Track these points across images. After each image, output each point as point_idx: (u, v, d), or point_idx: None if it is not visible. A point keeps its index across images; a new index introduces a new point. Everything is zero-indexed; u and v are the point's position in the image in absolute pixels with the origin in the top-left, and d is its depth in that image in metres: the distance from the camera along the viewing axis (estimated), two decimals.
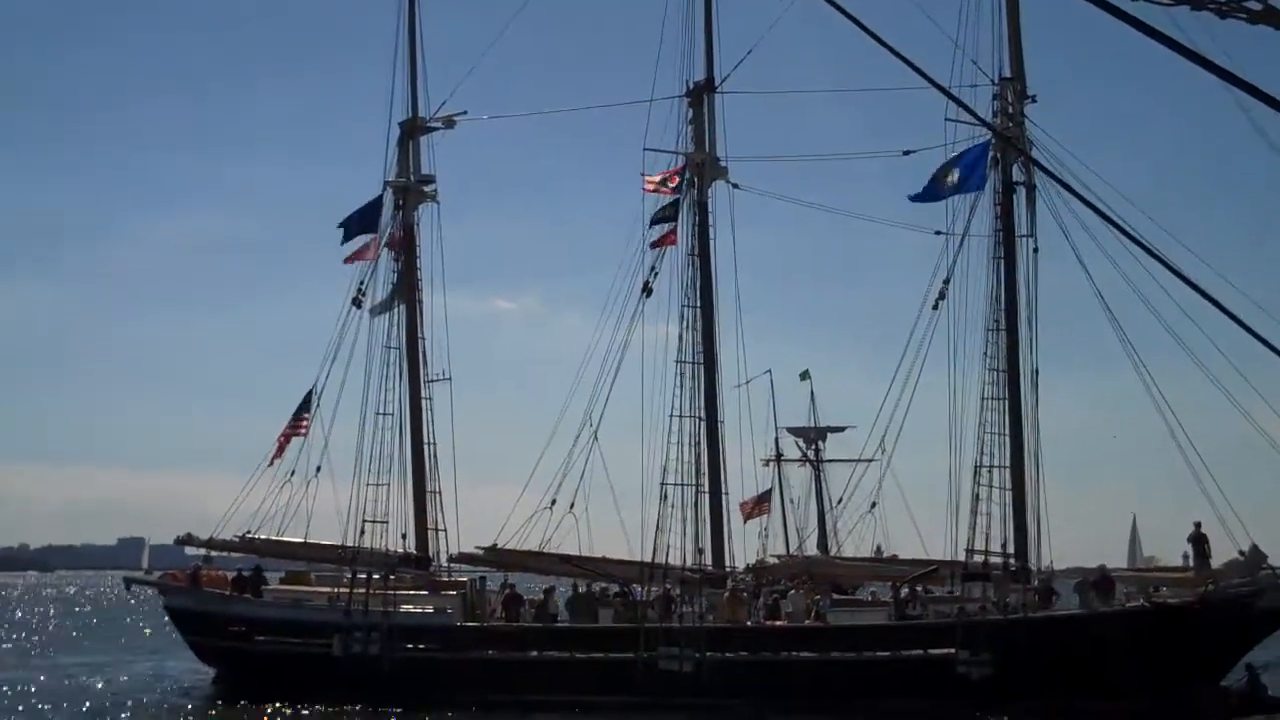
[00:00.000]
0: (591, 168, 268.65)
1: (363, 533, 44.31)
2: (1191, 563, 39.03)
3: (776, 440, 65.80)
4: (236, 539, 46.01)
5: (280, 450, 46.12)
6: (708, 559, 42.46)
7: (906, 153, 42.22)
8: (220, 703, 41.45)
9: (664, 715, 37.02)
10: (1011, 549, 39.59)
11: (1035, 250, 40.56)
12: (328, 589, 44.17)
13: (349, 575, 43.17)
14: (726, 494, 43.65)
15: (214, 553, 47.91)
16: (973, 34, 39.74)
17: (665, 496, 41.72)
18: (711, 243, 43.74)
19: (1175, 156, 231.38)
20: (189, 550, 50.70)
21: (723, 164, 43.75)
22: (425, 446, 46.40)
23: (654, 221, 42.95)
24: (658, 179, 42.92)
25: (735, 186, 43.70)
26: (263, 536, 45.57)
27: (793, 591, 41.79)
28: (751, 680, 37.86)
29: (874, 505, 43.26)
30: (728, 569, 43.13)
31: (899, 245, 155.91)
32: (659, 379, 42.42)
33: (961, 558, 39.45)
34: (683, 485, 42.17)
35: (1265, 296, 40.76)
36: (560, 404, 44.34)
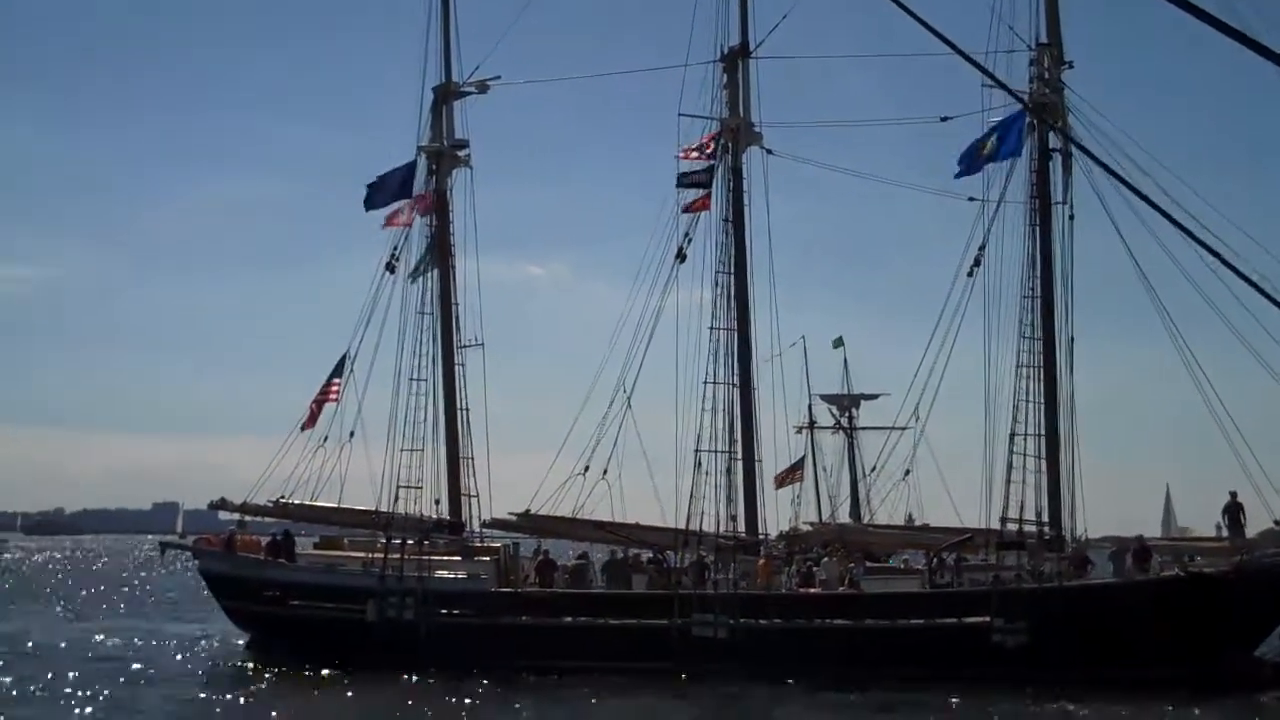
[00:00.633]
0: (624, 134, 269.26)
1: (397, 498, 44.38)
2: (1226, 532, 38.90)
3: (810, 408, 65.95)
4: (270, 504, 46.14)
5: (313, 416, 46.20)
6: (740, 526, 42.44)
7: (944, 119, 41.93)
8: (255, 667, 41.64)
9: (698, 682, 37.07)
10: (1046, 518, 39.49)
11: (1071, 217, 40.38)
12: (362, 554, 44.32)
13: (383, 540, 43.31)
14: (760, 461, 43.60)
15: (248, 517, 48.15)
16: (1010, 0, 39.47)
17: (700, 464, 41.70)
18: (746, 209, 43.62)
19: (1216, 121, 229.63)
20: (222, 515, 50.94)
21: (757, 130, 43.57)
22: (459, 412, 46.45)
23: (683, 185, 42.72)
24: (692, 146, 42.74)
25: (769, 152, 43.54)
26: (296, 501, 45.73)
27: (826, 559, 41.78)
28: (785, 647, 37.84)
29: (908, 473, 43.31)
30: (761, 536, 43.12)
31: (933, 212, 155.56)
32: (692, 345, 42.37)
33: (995, 526, 39.35)
34: (716, 452, 42.13)
35: None
36: (592, 370, 44.41)
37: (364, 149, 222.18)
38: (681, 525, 41.27)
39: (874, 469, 47.49)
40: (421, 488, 44.80)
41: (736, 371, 42.91)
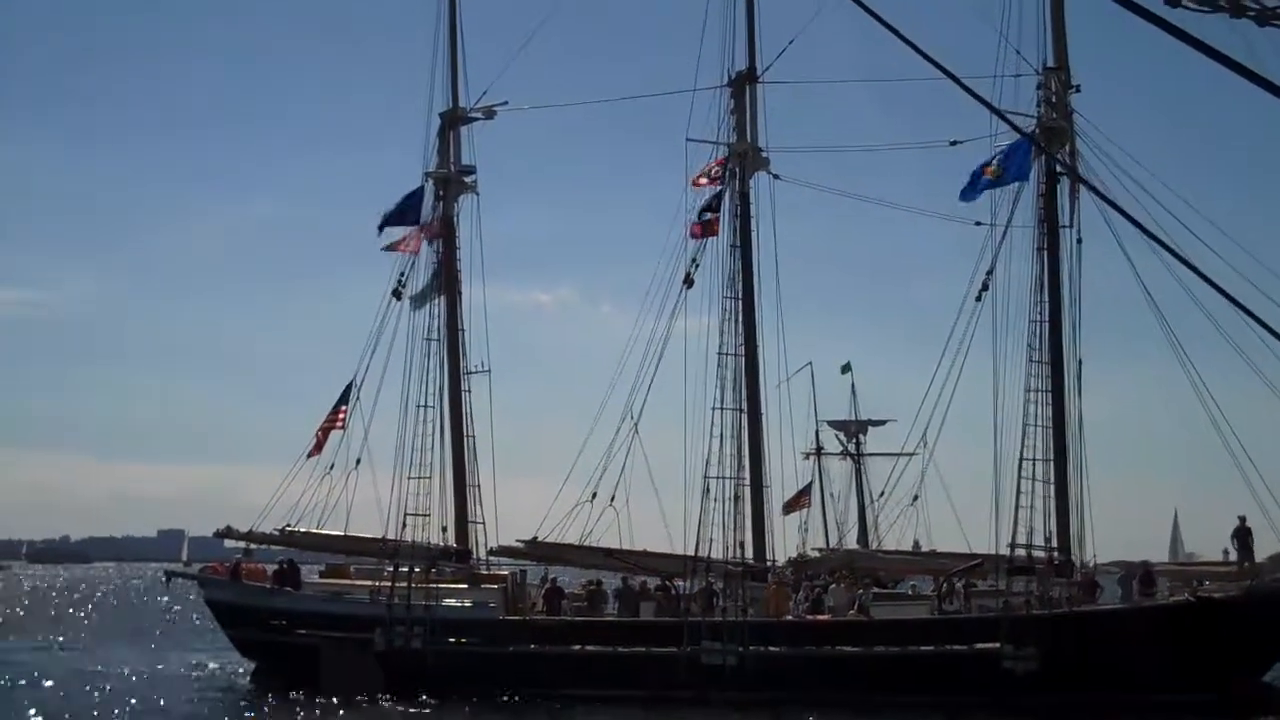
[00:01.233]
0: (630, 159, 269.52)
1: (404, 526, 44.25)
2: (1233, 557, 38.78)
3: (817, 433, 65.82)
4: (276, 532, 46.07)
5: (319, 444, 46.15)
6: (749, 552, 42.31)
7: (953, 143, 41.88)
8: (261, 695, 41.46)
9: (707, 709, 36.90)
10: (1055, 543, 39.35)
11: (1079, 241, 40.33)
12: (368, 582, 44.18)
13: (390, 568, 43.17)
14: (768, 487, 43.50)
15: (254, 546, 48.05)
16: (1017, 24, 39.51)
17: (708, 490, 41.60)
18: (753, 234, 43.62)
19: (1223, 143, 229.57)
20: (228, 543, 50.77)
21: (764, 154, 43.58)
22: (465, 439, 46.39)
23: (701, 214, 42.81)
24: (700, 172, 42.80)
25: (776, 177, 43.55)
26: (303, 529, 45.62)
27: (834, 585, 41.64)
28: (795, 674, 37.73)
29: (916, 498, 43.21)
30: (769, 562, 43.00)
31: (941, 237, 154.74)
32: (700, 371, 42.31)
33: (1004, 551, 39.19)
34: (723, 478, 42.02)
35: None
36: (599, 396, 44.36)
37: (371, 173, 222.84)
38: (689, 552, 41.14)
39: (882, 495, 47.43)
40: (429, 515, 44.69)
41: (744, 397, 42.83)
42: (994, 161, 40.11)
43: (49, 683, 43.64)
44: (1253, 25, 5.75)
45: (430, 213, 46.86)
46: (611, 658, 39.58)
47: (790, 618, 40.11)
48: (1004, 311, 40.20)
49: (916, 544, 46.83)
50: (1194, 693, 34.63)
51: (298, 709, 37.77)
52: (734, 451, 42.22)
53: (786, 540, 48.21)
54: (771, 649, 38.60)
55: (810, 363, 58.22)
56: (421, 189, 46.88)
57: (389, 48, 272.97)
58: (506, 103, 47.00)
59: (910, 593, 43.46)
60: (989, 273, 40.60)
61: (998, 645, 36.50)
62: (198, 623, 67.27)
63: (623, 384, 43.56)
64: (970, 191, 40.75)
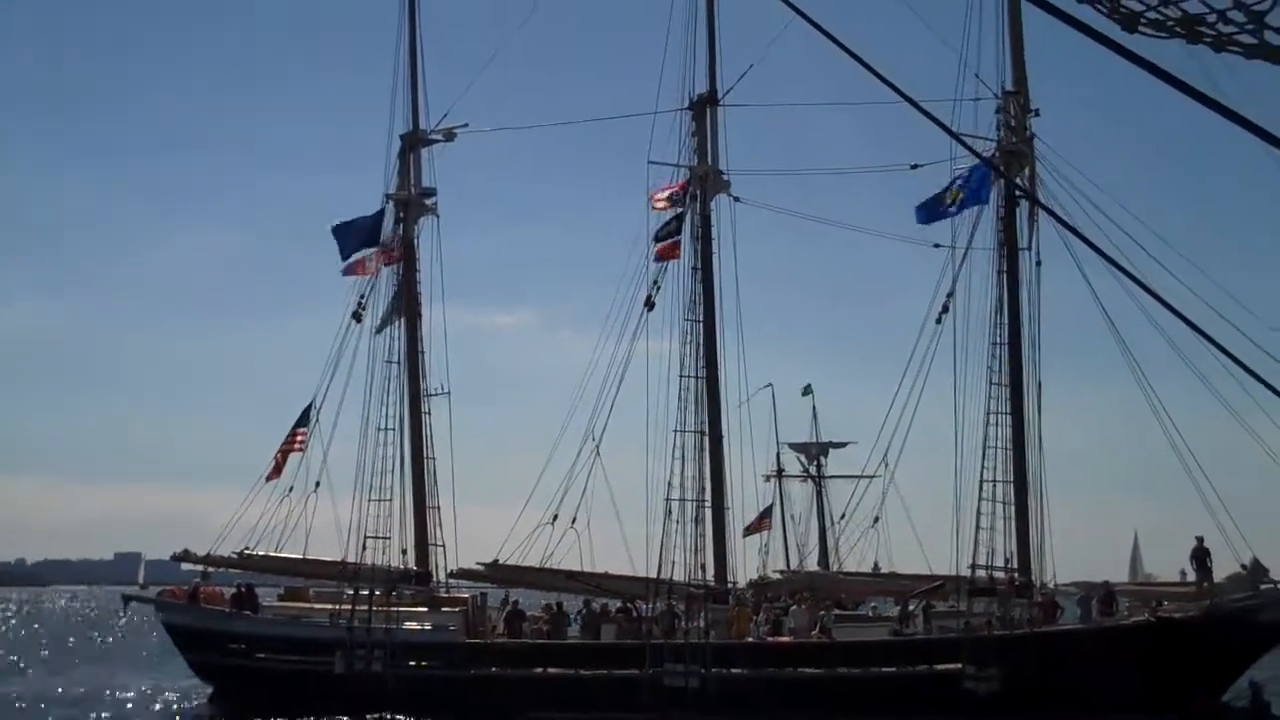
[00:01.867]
0: (592, 182, 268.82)
1: (364, 549, 44.03)
2: (1190, 578, 38.97)
3: (778, 455, 65.76)
4: (234, 555, 45.76)
5: (278, 467, 45.92)
6: (710, 575, 42.28)
7: (914, 166, 42.11)
8: None
9: None
10: (1015, 564, 39.49)
11: (1038, 264, 40.58)
12: (328, 606, 43.92)
13: (350, 592, 42.93)
14: (729, 509, 43.52)
15: (211, 569, 47.68)
16: (976, 48, 39.76)
17: (670, 512, 41.56)
18: (714, 256, 43.71)
19: (1181, 166, 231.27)
20: (185, 566, 50.36)
21: (725, 177, 43.72)
22: (426, 461, 46.22)
23: (659, 237, 42.87)
24: (665, 194, 42.88)
25: (737, 200, 43.68)
26: (261, 553, 45.33)
27: (794, 607, 41.65)
28: (757, 696, 37.67)
29: (876, 520, 43.27)
30: (730, 584, 42.98)
31: (902, 259, 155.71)
32: (661, 394, 42.31)
33: (965, 573, 39.32)
34: (683, 500, 42.00)
35: (1269, 311, 40.57)
36: (560, 419, 44.31)
37: (336, 197, 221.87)
38: (651, 574, 41.08)
39: (843, 517, 47.46)
40: (389, 538, 44.53)
41: (705, 420, 42.85)
42: (954, 185, 40.31)
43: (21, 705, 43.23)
44: (1209, 51, 5.78)
45: (391, 235, 46.75)
46: (573, 680, 39.45)
47: (752, 639, 40.07)
48: (964, 334, 40.45)
49: (876, 565, 46.86)
50: (1154, 713, 34.76)
51: None
52: (695, 473, 42.27)
53: (747, 562, 48.17)
54: (734, 671, 38.54)
55: (771, 384, 58.28)
56: (382, 211, 46.80)
57: (353, 71, 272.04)
58: (467, 125, 47.07)
59: (871, 614, 43.53)
60: (949, 295, 40.87)
61: (959, 666, 36.57)
62: (153, 645, 66.65)
63: (584, 406, 43.62)
64: (929, 215, 40.97)
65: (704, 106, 43.45)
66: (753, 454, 45.23)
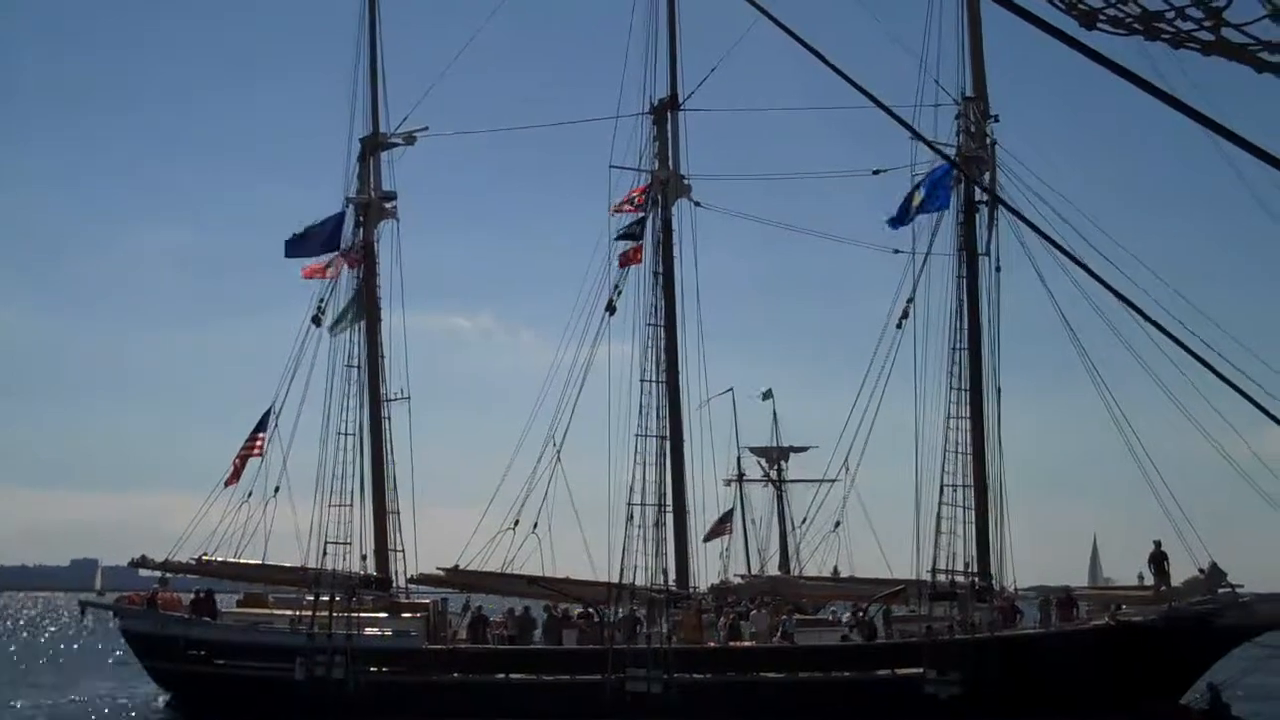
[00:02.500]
0: (553, 186, 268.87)
1: (325, 554, 43.79)
2: (1149, 581, 39.19)
3: (739, 460, 65.86)
4: (193, 561, 45.41)
5: (236, 472, 45.59)
6: (671, 579, 42.25)
7: (876, 172, 42.25)
8: None
9: None
10: (975, 568, 39.64)
11: (997, 269, 40.79)
12: (288, 611, 43.65)
13: (310, 597, 42.69)
14: (689, 513, 43.48)
15: (170, 575, 47.30)
16: (936, 54, 39.94)
17: (631, 517, 41.52)
18: (676, 261, 43.69)
19: (1141, 169, 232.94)
20: (143, 572, 49.92)
21: (687, 182, 43.71)
22: (386, 466, 46.02)
23: (619, 238, 42.86)
24: (624, 199, 42.84)
25: (697, 204, 43.68)
26: (220, 558, 45.01)
27: (754, 612, 41.65)
28: (719, 700, 37.67)
29: (837, 524, 43.29)
30: (691, 589, 42.95)
31: (863, 264, 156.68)
32: (623, 398, 42.27)
33: (926, 577, 39.44)
34: (645, 505, 41.96)
35: (1224, 314, 40.88)
36: (521, 423, 44.16)
37: (296, 201, 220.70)
38: (613, 579, 41.02)
39: (804, 521, 47.47)
40: (349, 543, 44.28)
41: (667, 424, 42.83)
42: (920, 187, 40.41)
43: None
44: (1167, 48, 5.79)
45: (350, 238, 46.55)
46: (536, 686, 39.34)
47: (713, 644, 40.05)
48: (924, 339, 40.61)
49: (836, 570, 46.93)
50: (1113, 715, 34.95)
51: None
52: (656, 478, 42.24)
53: (708, 567, 48.19)
54: (696, 676, 38.52)
55: (731, 389, 58.35)
56: (342, 214, 46.59)
57: (313, 75, 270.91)
58: (428, 129, 46.87)
59: (831, 619, 43.60)
60: (909, 300, 41.00)
61: (921, 670, 36.67)
62: (118, 654, 66.14)
63: (545, 411, 43.49)
64: (898, 221, 41.03)
65: (665, 111, 43.46)
66: (713, 458, 45.17)
